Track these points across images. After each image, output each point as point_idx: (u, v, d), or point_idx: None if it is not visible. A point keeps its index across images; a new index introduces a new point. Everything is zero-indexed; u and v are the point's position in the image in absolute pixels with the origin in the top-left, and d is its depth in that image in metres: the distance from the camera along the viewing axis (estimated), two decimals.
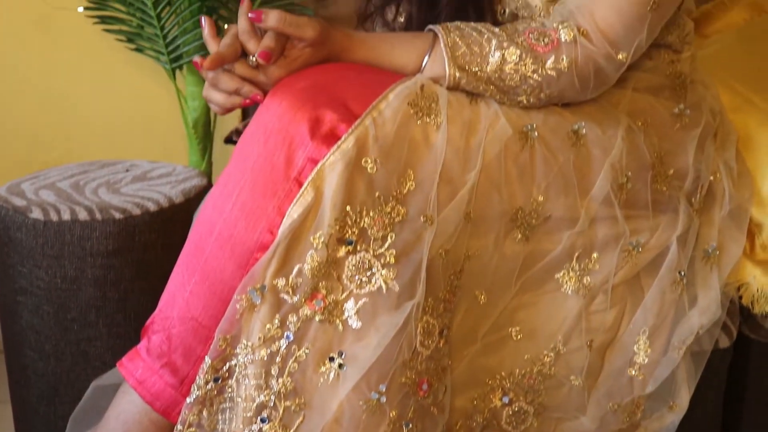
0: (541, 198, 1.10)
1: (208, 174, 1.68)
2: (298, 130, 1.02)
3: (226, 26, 1.11)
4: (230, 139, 1.56)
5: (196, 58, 1.07)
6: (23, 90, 1.82)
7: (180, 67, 1.60)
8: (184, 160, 1.78)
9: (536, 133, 1.11)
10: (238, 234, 1.03)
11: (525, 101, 1.12)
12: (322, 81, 1.05)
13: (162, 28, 1.53)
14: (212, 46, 1.07)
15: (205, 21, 1.08)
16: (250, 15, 1.04)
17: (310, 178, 1.00)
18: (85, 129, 1.85)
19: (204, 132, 1.67)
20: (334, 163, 1.00)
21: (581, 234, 1.14)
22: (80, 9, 1.56)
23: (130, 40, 1.60)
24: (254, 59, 1.05)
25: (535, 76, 1.10)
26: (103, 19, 1.58)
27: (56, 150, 1.87)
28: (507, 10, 1.25)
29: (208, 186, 1.53)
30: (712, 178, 1.26)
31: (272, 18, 1.04)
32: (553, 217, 1.12)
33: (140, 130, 1.84)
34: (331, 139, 1.01)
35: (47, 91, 1.83)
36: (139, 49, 1.60)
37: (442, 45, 1.09)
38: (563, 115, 1.15)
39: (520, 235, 1.11)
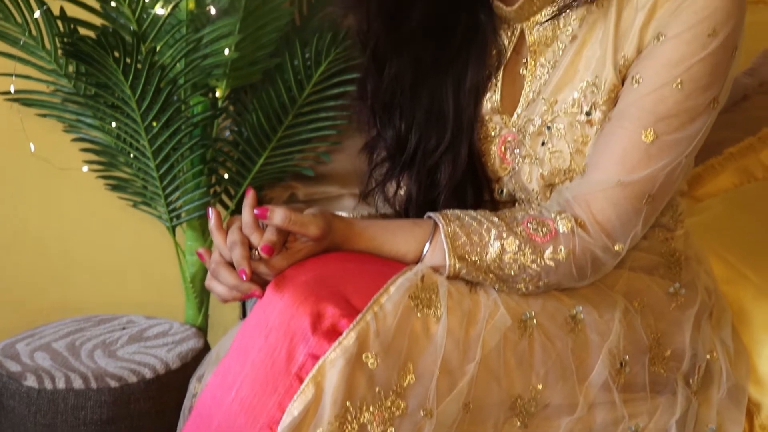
0: (539, 386, 1.11)
1: (204, 329, 1.68)
2: (300, 325, 1.02)
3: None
4: None
5: (201, 250, 1.08)
6: (21, 235, 1.83)
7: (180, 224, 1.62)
8: (181, 307, 1.78)
9: (535, 321, 1.12)
10: (237, 428, 1.02)
11: (524, 289, 1.13)
12: (323, 274, 1.06)
13: (164, 189, 1.55)
14: (218, 238, 1.09)
15: (212, 212, 1.10)
16: (255, 212, 1.06)
17: (311, 374, 1.01)
18: (82, 277, 1.86)
19: (201, 286, 1.68)
20: (335, 359, 1.01)
21: (580, 420, 1.13)
22: (84, 169, 1.59)
23: (124, 190, 1.62)
24: (257, 253, 1.06)
25: (534, 265, 1.11)
26: (106, 177, 1.60)
27: (52, 296, 1.87)
28: (504, 190, 1.27)
29: (205, 348, 1.53)
30: (708, 357, 1.26)
31: (277, 216, 1.06)
32: (551, 404, 1.12)
33: (137, 279, 1.85)
34: (333, 334, 1.02)
35: (45, 238, 1.85)
36: (138, 204, 1.63)
37: (442, 235, 1.11)
38: (561, 300, 1.16)
39: (518, 423, 1.11)
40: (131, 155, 1.53)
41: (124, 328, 1.54)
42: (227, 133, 1.66)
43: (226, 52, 1.52)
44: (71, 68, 1.50)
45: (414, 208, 1.28)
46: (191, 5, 1.51)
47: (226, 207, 1.66)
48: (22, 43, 1.47)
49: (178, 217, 1.59)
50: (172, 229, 1.60)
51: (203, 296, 1.69)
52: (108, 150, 1.56)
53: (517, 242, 1.11)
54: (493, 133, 1.26)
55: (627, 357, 1.17)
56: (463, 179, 1.25)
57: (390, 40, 1.23)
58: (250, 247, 1.08)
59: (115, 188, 1.60)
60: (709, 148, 1.72)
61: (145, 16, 1.41)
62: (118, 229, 1.83)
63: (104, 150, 1.57)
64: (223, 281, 1.08)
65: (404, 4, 1.21)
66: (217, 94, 1.59)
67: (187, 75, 1.48)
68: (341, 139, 1.61)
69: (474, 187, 1.27)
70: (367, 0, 1.22)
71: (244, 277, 1.04)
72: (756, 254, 1.46)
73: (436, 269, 1.11)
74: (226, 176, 1.58)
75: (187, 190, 1.56)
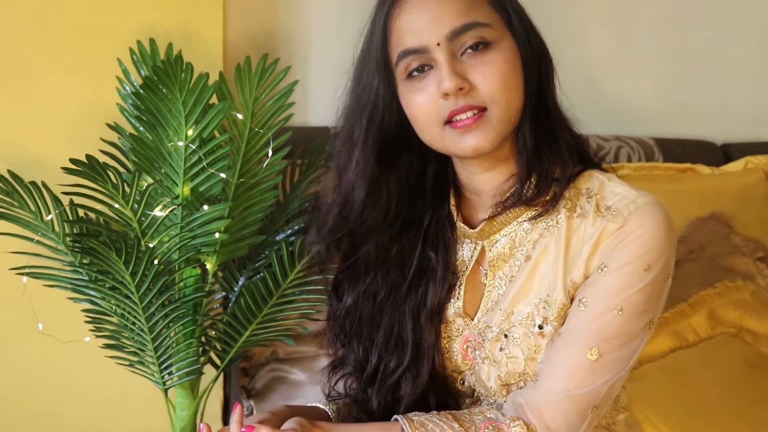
0: None
1: None
2: None
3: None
4: None
5: None
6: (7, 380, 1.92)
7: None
8: None
9: None
10: None
11: None
12: None
13: (158, 358, 1.70)
14: None
15: (203, 428, 1.26)
16: (243, 430, 1.22)
17: None
18: (71, 427, 1.96)
19: None
20: None
21: None
22: (86, 339, 1.72)
23: (123, 357, 1.76)
24: None
25: None
26: (106, 345, 1.74)
27: None
28: (466, 383, 1.44)
29: None
30: None
31: None
32: None
33: (126, 429, 1.97)
34: None
35: (33, 391, 1.93)
36: (130, 364, 1.76)
37: None
38: None
39: None
40: (128, 328, 1.68)
41: None
42: (217, 296, 1.82)
43: (216, 235, 1.68)
44: (76, 258, 1.66)
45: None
46: (186, 192, 1.68)
47: (216, 367, 1.81)
48: (39, 234, 1.63)
49: (171, 380, 1.73)
50: (165, 391, 1.75)
51: None
52: (109, 322, 1.71)
53: None
54: (456, 333, 1.42)
55: None
56: (425, 392, 1.40)
57: (347, 274, 1.41)
58: None
59: (114, 357, 1.73)
60: None
61: (144, 218, 1.58)
62: (107, 380, 1.94)
63: (105, 322, 1.71)
64: None
65: (358, 244, 1.40)
66: (207, 267, 1.76)
67: (181, 263, 1.65)
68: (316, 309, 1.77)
69: (437, 395, 1.41)
70: (326, 233, 1.40)
71: None
72: (689, 426, 1.62)
73: None
74: (215, 342, 1.75)
75: (179, 358, 1.71)
